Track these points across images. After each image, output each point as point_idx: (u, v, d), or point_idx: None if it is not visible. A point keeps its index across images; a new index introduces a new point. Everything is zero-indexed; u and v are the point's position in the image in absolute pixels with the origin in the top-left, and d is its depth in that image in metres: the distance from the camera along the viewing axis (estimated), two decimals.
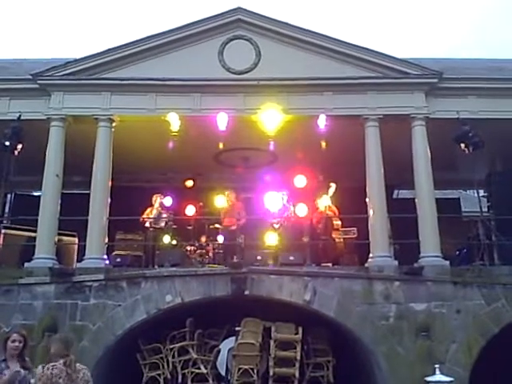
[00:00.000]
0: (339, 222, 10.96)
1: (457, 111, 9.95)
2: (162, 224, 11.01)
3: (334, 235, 10.82)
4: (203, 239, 11.36)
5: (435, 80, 10.33)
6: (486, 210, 11.02)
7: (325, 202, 11.04)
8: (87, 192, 10.15)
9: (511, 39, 48.19)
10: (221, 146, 10.89)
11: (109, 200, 10.08)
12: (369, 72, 10.46)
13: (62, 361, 4.54)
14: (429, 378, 7.87)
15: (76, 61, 10.47)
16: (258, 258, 9.93)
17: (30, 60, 12.47)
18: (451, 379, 7.87)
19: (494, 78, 10.79)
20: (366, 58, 10.45)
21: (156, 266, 10.05)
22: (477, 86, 10.40)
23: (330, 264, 10.01)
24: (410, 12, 55.12)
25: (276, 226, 10.90)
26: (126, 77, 10.33)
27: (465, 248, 10.79)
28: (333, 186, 11.24)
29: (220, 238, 11.06)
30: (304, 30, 10.62)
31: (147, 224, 10.99)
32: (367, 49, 10.53)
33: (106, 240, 9.97)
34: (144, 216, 11.07)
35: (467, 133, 9.62)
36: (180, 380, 9.47)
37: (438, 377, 7.84)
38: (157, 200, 11.33)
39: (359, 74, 10.41)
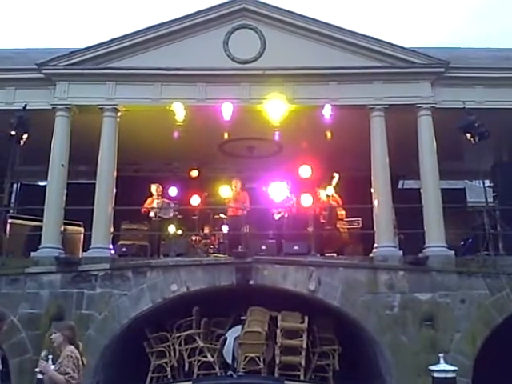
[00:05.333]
0: (343, 212, 10.96)
1: (463, 101, 9.86)
2: (171, 214, 11.04)
3: (338, 225, 10.84)
4: (208, 229, 11.40)
5: (441, 69, 10.25)
6: (491, 200, 11.01)
7: (328, 192, 11.02)
8: (93, 182, 10.17)
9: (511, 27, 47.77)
10: (226, 135, 10.85)
11: (114, 190, 10.10)
12: (375, 61, 10.39)
13: (72, 347, 4.75)
14: (433, 367, 7.93)
15: (81, 50, 10.44)
16: (263, 247, 9.96)
17: (34, 50, 12.45)
18: (455, 368, 7.92)
19: (501, 67, 10.71)
20: (372, 47, 10.37)
21: (161, 256, 10.11)
22: (483, 76, 10.32)
23: (334, 254, 10.04)
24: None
25: (277, 217, 10.91)
26: (131, 66, 10.30)
27: (470, 238, 10.80)
28: (336, 176, 11.22)
29: (225, 228, 11.09)
30: (309, 18, 10.55)
31: (151, 214, 11.03)
32: (373, 38, 10.44)
33: (112, 230, 10.01)
34: (145, 206, 11.10)
35: (473, 123, 9.56)
36: (187, 368, 9.53)
37: (442, 366, 7.89)
38: (156, 190, 11.35)
39: (365, 64, 10.34)
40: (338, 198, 11.07)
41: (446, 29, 55.56)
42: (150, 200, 11.32)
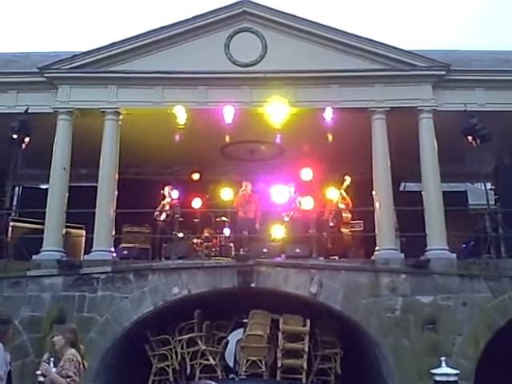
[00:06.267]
0: (349, 215, 10.94)
1: (464, 104, 9.90)
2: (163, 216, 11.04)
3: (342, 229, 10.81)
4: (209, 231, 11.39)
5: (443, 72, 10.27)
6: (492, 202, 10.99)
7: (338, 194, 11.01)
8: (94, 185, 10.19)
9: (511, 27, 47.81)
10: (227, 138, 10.87)
11: (116, 193, 10.12)
12: (376, 64, 10.42)
13: (74, 350, 4.76)
14: (435, 371, 7.90)
15: (83, 54, 10.48)
16: (265, 250, 9.96)
17: (37, 53, 12.46)
18: (457, 372, 7.89)
19: (502, 70, 10.71)
20: (373, 50, 10.39)
21: (163, 259, 10.12)
22: (484, 79, 10.33)
23: (336, 257, 10.03)
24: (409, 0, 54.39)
25: (286, 219, 10.90)
26: (133, 70, 10.34)
27: (471, 241, 10.78)
28: (348, 178, 11.19)
29: (226, 231, 11.09)
30: (310, 22, 10.57)
31: (162, 217, 11.03)
32: (374, 41, 10.47)
33: (113, 232, 10.02)
34: (159, 209, 11.10)
35: (474, 125, 9.57)
36: (188, 371, 9.54)
37: (444, 369, 7.86)
38: (168, 191, 11.36)
39: (366, 67, 10.37)
40: (348, 200, 11.05)
41: (446, 29, 55.60)
42: (164, 202, 11.31)
